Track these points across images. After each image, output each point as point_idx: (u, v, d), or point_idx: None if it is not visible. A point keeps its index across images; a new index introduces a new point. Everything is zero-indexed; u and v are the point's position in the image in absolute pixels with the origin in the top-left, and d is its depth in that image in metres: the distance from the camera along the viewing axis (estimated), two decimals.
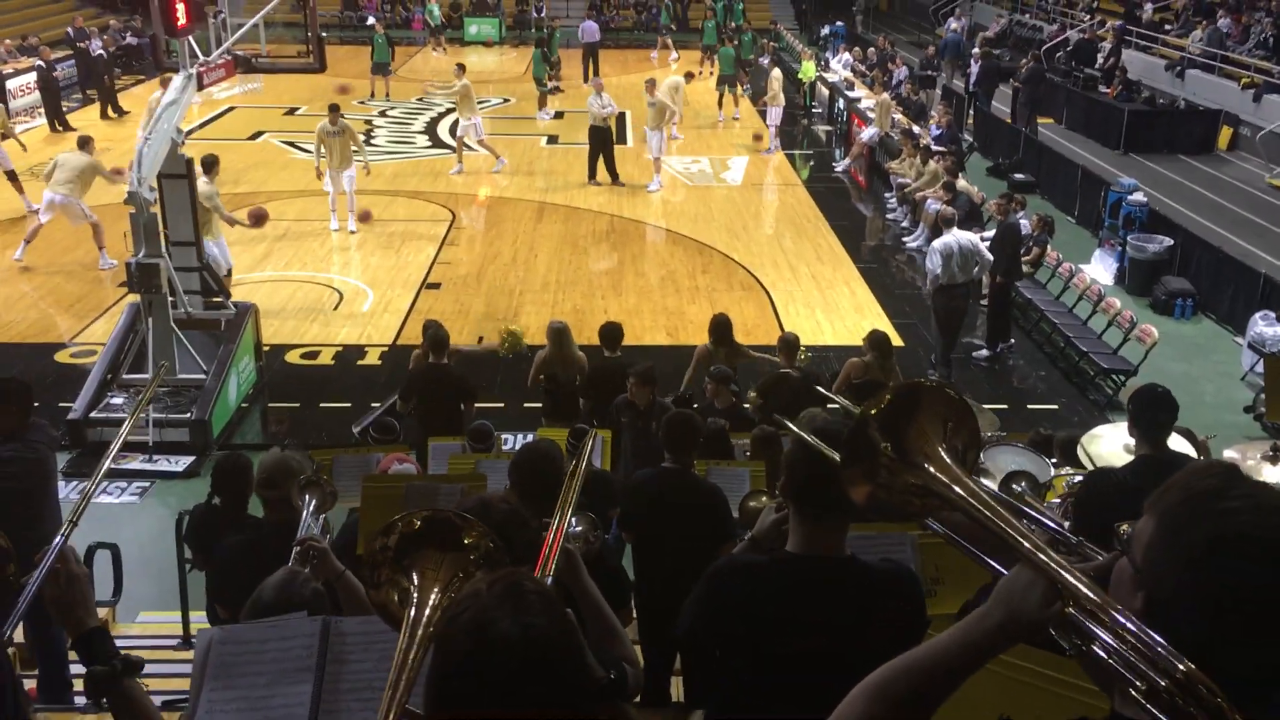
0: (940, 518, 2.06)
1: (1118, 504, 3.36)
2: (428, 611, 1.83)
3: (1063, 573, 1.47)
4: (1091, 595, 1.44)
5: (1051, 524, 2.03)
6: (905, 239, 16.43)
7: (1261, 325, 11.46)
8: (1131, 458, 5.32)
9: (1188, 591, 1.39)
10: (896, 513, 1.76)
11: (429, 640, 1.75)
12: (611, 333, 9.04)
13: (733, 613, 2.74)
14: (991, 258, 11.53)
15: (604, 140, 18.29)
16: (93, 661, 2.22)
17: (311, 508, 3.65)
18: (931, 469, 1.68)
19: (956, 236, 11.37)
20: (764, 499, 3.64)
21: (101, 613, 6.84)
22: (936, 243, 11.47)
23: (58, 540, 2.34)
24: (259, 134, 21.69)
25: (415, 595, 1.86)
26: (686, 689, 5.63)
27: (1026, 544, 1.54)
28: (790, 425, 2.91)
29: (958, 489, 1.66)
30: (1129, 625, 1.39)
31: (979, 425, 1.78)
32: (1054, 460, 6.72)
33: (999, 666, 1.91)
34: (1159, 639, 1.36)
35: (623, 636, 2.81)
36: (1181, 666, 1.31)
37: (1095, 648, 1.42)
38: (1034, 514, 2.14)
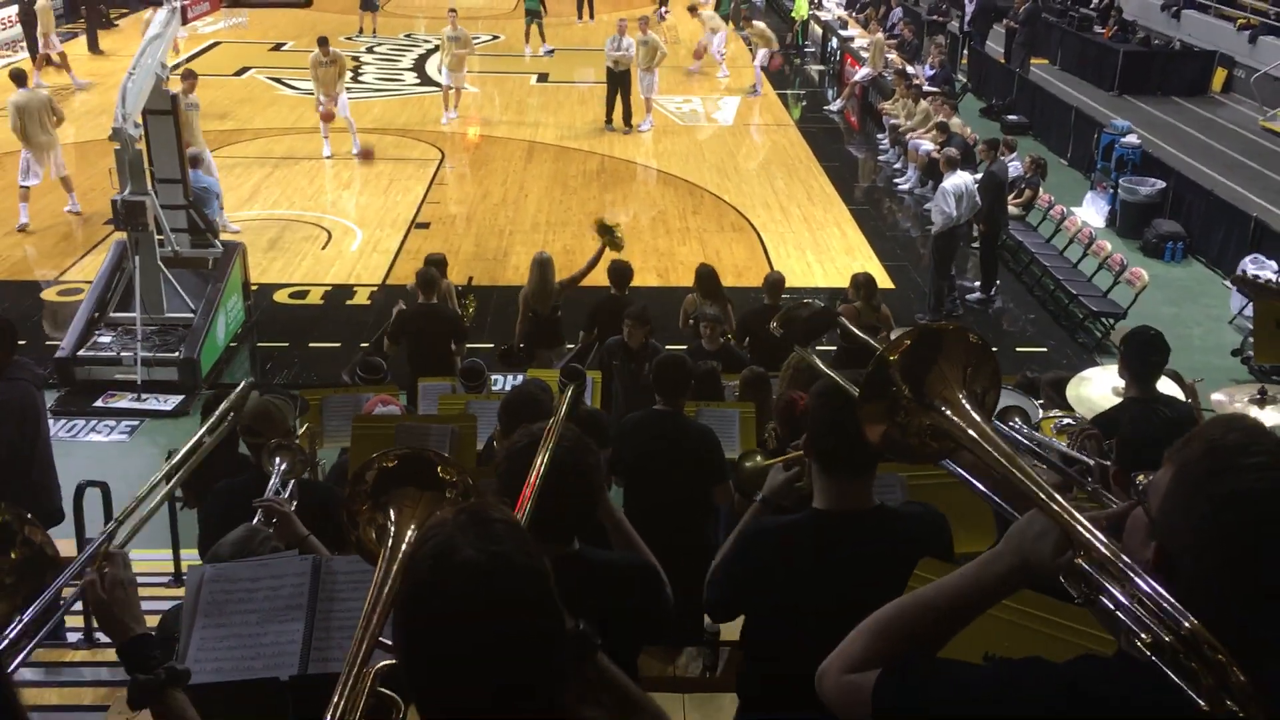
0: (956, 459, 2.07)
1: (1162, 441, 3.37)
2: (404, 546, 1.82)
3: (1075, 523, 1.48)
4: (1102, 547, 1.44)
5: (1072, 463, 2.04)
6: (896, 180, 16.34)
7: (1251, 269, 11.47)
8: (1119, 400, 5.34)
9: (1201, 545, 1.38)
10: (912, 453, 1.77)
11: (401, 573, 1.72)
12: (621, 272, 9.03)
13: (770, 576, 2.72)
14: (980, 202, 11.50)
15: (620, 84, 17.98)
16: (137, 669, 2.13)
17: (281, 470, 3.63)
18: (948, 412, 1.68)
19: (962, 177, 11.33)
20: (759, 458, 3.62)
21: None
22: (947, 184, 11.37)
23: (98, 538, 2.26)
24: (245, 70, 21.37)
25: (392, 530, 1.86)
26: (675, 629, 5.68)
27: (1041, 492, 1.54)
28: (817, 361, 2.89)
29: (973, 433, 1.66)
30: (1138, 579, 1.39)
31: (999, 369, 1.78)
32: (1040, 402, 6.75)
33: (998, 610, 1.92)
34: (1166, 594, 1.36)
35: (653, 561, 2.86)
36: (1187, 623, 1.32)
37: (1103, 598, 1.43)
38: (1056, 453, 2.15)
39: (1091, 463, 3.66)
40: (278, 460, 3.66)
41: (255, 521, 3.26)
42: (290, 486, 3.56)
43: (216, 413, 3.46)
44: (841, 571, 2.57)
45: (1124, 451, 4.57)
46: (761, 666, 2.86)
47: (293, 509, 3.42)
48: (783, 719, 2.70)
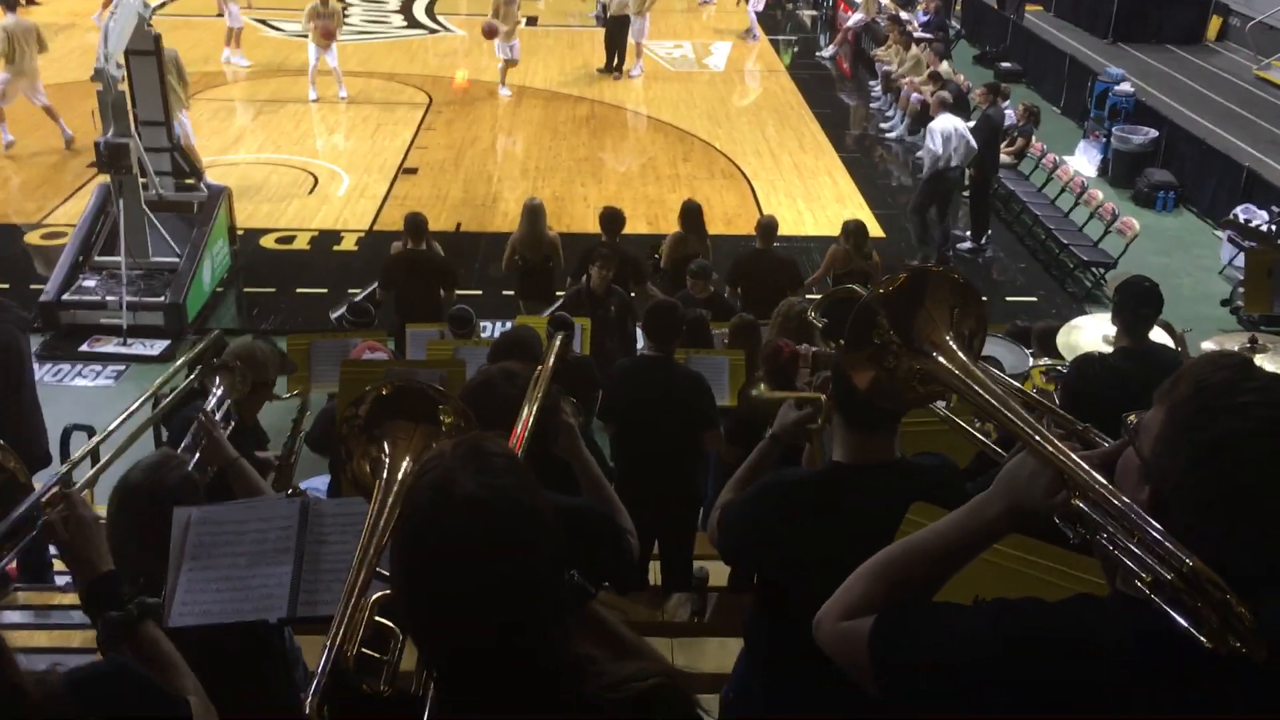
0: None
1: (1108, 386, 3.36)
2: (399, 478, 1.81)
3: (1069, 462, 1.46)
4: (1098, 486, 1.42)
5: (1056, 410, 2.02)
6: (883, 124, 16.23)
7: (1242, 219, 11.45)
8: (1110, 349, 5.35)
9: (1196, 485, 1.37)
10: (901, 399, 1.75)
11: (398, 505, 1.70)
12: (611, 218, 8.95)
13: (778, 529, 2.67)
14: (975, 146, 11.43)
15: (618, 29, 17.70)
16: (107, 607, 2.06)
17: (219, 393, 3.60)
18: (937, 355, 1.66)
19: (953, 120, 11.27)
20: (762, 386, 3.58)
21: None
22: (935, 125, 11.33)
23: (51, 480, 2.23)
24: None
25: (387, 462, 1.84)
26: (664, 575, 5.72)
27: (1032, 432, 1.52)
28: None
29: (963, 375, 1.64)
30: (1136, 518, 1.38)
31: (986, 311, 1.76)
32: (1031, 351, 6.77)
33: (989, 554, 1.92)
34: (1165, 532, 1.34)
35: (621, 509, 2.83)
36: (1189, 561, 1.30)
37: (1100, 538, 1.41)
38: (1038, 400, 2.13)
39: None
40: (217, 380, 3.64)
41: (186, 440, 3.28)
42: (225, 407, 3.54)
43: (184, 358, 3.46)
44: (855, 524, 2.48)
45: (1065, 399, 4.59)
46: (768, 617, 2.84)
47: (226, 432, 3.42)
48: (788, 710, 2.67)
